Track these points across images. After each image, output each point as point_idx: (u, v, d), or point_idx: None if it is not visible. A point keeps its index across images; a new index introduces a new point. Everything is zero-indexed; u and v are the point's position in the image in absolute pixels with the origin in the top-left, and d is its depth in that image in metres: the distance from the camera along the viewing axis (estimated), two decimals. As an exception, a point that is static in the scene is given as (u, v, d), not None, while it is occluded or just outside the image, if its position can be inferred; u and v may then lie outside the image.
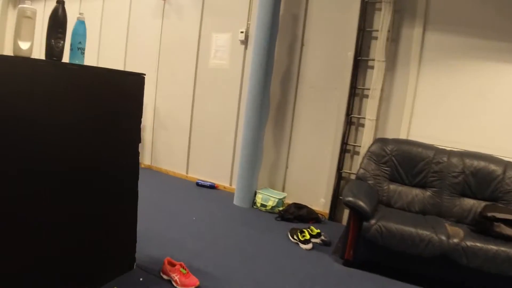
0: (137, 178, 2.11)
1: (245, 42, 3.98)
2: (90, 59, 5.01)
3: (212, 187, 4.21)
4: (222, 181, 4.28)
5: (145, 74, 2.05)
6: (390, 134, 3.30)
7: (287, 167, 3.88)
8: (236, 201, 3.75)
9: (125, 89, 1.95)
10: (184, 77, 4.50)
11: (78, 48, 1.77)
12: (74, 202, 1.74)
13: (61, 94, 1.61)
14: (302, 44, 3.71)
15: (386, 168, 2.98)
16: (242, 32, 3.93)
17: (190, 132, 4.52)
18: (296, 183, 3.83)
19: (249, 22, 3.94)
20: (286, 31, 3.76)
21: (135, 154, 2.08)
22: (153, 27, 4.68)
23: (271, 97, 3.77)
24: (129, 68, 4.97)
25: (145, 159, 4.86)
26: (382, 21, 3.20)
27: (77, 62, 1.76)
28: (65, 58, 1.68)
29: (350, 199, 2.45)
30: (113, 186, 1.96)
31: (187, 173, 4.56)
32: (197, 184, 4.26)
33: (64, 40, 1.68)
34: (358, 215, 2.47)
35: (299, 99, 3.77)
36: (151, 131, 4.82)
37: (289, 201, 3.76)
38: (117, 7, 5.03)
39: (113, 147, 1.92)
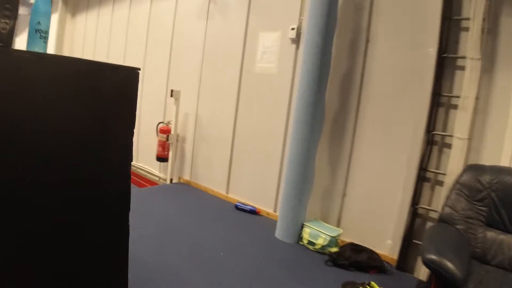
0: (128, 208, 1.56)
1: (296, 40, 3.33)
2: (136, 63, 4.76)
3: (253, 212, 3.59)
4: (265, 206, 3.63)
5: (139, 69, 1.51)
6: (487, 160, 2.43)
7: (344, 195, 3.11)
8: (278, 234, 3.07)
9: (105, 88, 1.42)
10: (227, 83, 3.99)
11: (37, 30, 1.28)
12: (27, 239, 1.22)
13: (6, 91, 1.12)
14: (367, 40, 2.96)
15: (482, 208, 2.15)
16: (293, 29, 3.30)
17: (232, 146, 3.96)
18: (356, 217, 3.04)
19: (301, 17, 3.30)
20: (347, 24, 3.04)
21: (125, 175, 1.52)
22: (197, 29, 4.27)
23: (327, 107, 3.04)
24: (172, 74, 4.62)
25: (185, 173, 4.38)
26: (474, 6, 2.41)
27: (36, 49, 1.28)
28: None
29: (433, 257, 1.65)
30: (91, 217, 1.42)
31: (227, 193, 4.00)
32: (236, 207, 3.66)
33: (14, 20, 1.22)
34: (444, 280, 1.66)
35: (363, 110, 3.01)
36: (192, 143, 4.36)
37: (345, 239, 2.98)
38: (163, 9, 4.75)
39: (84, 167, 1.38)
